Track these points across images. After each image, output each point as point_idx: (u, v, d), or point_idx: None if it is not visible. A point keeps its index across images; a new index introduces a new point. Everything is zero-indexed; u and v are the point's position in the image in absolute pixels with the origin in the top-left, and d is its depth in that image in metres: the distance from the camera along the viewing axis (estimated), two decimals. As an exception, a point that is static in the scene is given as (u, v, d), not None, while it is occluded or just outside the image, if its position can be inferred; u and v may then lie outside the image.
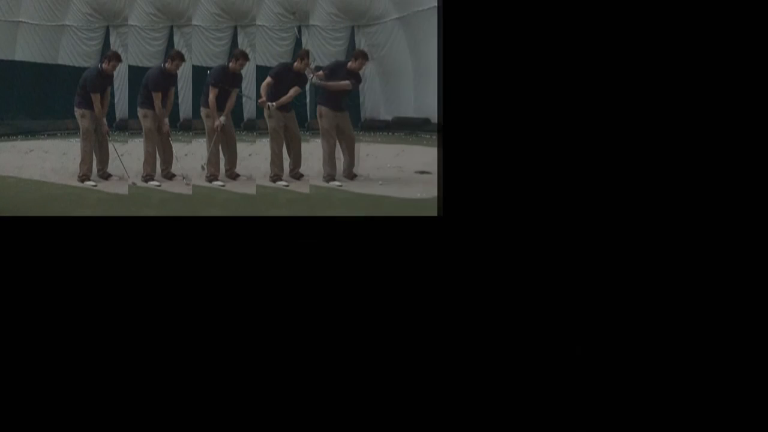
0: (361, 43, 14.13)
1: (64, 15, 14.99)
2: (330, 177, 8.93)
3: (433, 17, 11.82)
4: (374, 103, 14.76)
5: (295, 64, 9.12)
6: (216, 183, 8.96)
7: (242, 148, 9.74)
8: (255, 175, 9.25)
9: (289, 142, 9.14)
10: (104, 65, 9.07)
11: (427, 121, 13.69)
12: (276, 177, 8.98)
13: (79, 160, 9.11)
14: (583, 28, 5.12)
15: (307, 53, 9.20)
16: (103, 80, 9.07)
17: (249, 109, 13.17)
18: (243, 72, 9.30)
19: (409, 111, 14.33)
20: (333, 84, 8.95)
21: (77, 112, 9.09)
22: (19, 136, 14.09)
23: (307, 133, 10.34)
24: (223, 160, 9.17)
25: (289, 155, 9.19)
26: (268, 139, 9.15)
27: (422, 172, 9.32)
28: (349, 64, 9.13)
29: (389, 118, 14.65)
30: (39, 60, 15.18)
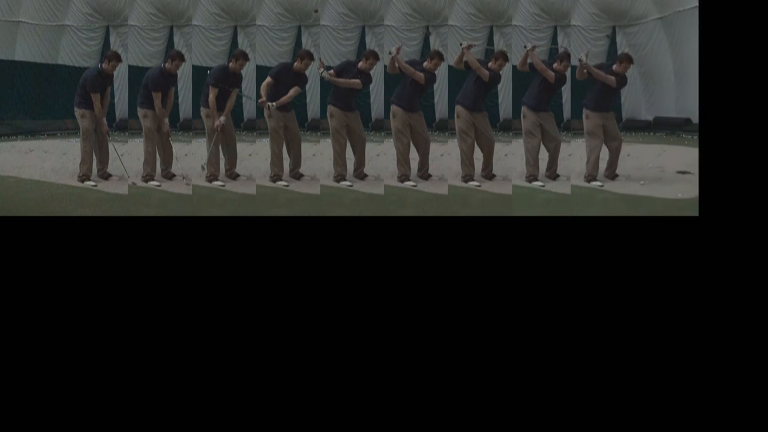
0: (622, 44, 14.11)
1: (64, 15, 14.99)
2: (340, 177, 8.93)
3: (693, 17, 11.77)
4: (635, 103, 14.71)
5: (295, 64, 9.10)
6: (216, 183, 8.96)
7: (242, 148, 9.75)
8: (255, 175, 9.27)
9: (289, 142, 9.13)
10: (104, 65, 9.06)
11: (688, 121, 13.78)
12: (276, 177, 8.98)
13: (79, 160, 9.12)
14: None
15: (307, 53, 9.17)
16: (103, 80, 9.06)
17: (249, 109, 13.18)
18: (243, 72, 9.29)
19: (670, 111, 14.41)
20: (343, 81, 8.94)
21: (77, 112, 9.09)
22: (19, 136, 14.10)
23: (318, 133, 10.34)
24: (223, 160, 9.18)
25: (289, 155, 9.19)
26: (268, 139, 9.15)
27: (683, 173, 9.36)
28: (360, 63, 9.12)
29: (650, 118, 14.72)
30: (39, 60, 15.18)
